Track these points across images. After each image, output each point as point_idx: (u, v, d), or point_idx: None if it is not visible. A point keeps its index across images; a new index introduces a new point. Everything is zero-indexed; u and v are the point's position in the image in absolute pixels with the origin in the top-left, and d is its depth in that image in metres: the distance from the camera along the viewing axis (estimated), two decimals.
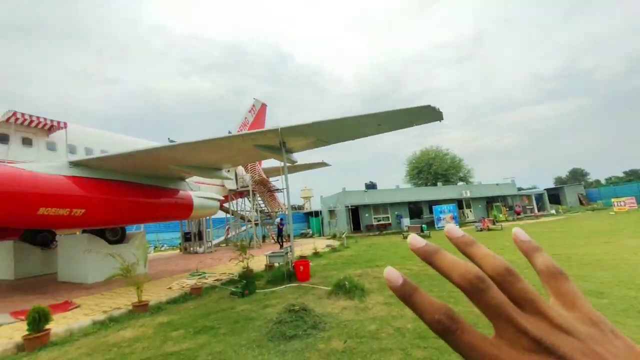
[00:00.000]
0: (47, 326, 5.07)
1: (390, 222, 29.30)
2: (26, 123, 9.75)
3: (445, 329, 0.29)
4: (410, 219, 29.10)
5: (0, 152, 9.47)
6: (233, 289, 7.58)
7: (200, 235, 18.88)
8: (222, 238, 23.36)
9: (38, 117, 9.93)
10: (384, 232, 27.25)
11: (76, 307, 7.02)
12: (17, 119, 9.51)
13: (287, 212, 21.29)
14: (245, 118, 23.35)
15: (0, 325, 5.90)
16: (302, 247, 16.09)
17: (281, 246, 17.57)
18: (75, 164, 8.37)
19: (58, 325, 5.56)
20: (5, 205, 6.61)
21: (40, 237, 13.47)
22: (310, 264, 9.50)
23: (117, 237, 11.10)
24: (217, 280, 9.09)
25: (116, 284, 9.37)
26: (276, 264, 9.79)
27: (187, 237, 19.81)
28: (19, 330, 5.34)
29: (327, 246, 17.15)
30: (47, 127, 10.32)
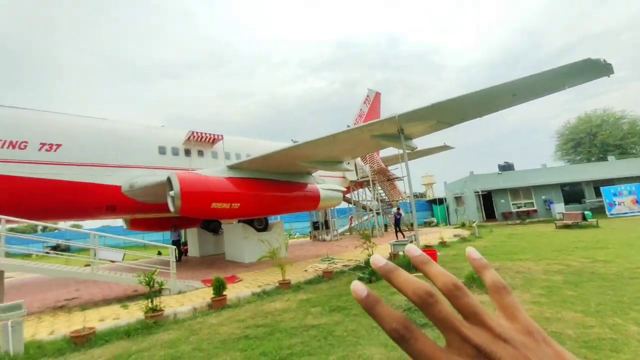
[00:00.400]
0: (225, 293, 6.64)
1: (535, 208, 24.58)
2: (199, 139, 12.84)
3: (401, 336, 0.33)
4: (565, 204, 23.61)
5: (186, 162, 12.81)
6: (360, 275, 8.02)
7: (327, 224, 20.58)
8: (346, 227, 24.74)
9: (206, 133, 12.90)
10: (527, 220, 23.06)
11: (240, 281, 8.87)
12: (194, 137, 12.62)
13: (408, 200, 20.65)
14: (361, 110, 23.81)
15: (197, 289, 8.07)
16: (427, 237, 15.41)
17: (403, 236, 17.25)
18: (231, 167, 10.51)
19: (230, 293, 7.17)
20: (192, 202, 8.95)
21: (212, 225, 17.50)
22: (438, 253, 9.06)
23: (262, 226, 13.35)
24: (345, 265, 9.77)
25: (264, 264, 11.30)
26: (400, 253, 9.76)
27: (315, 226, 21.92)
28: (207, 293, 7.17)
29: (455, 236, 15.85)
30: (211, 140, 13.30)
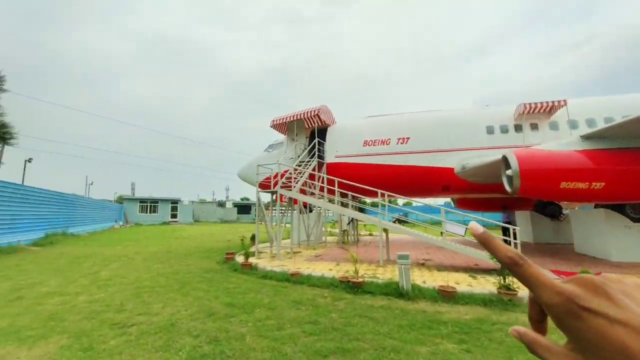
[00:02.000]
0: None
1: None
2: (532, 110, 11.30)
3: (514, 262, 0.41)
4: None
5: (517, 139, 11.77)
6: None
7: None
8: None
9: (541, 102, 11.10)
10: None
11: None
12: (526, 109, 11.30)
13: None
14: None
15: None
16: None
17: None
18: (587, 137, 8.26)
19: None
20: (534, 181, 7.99)
21: (549, 209, 14.91)
22: None
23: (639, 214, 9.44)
24: None
25: None
26: None
27: None
28: None
29: None
30: (547, 109, 11.25)
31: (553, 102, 11.07)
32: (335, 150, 13.90)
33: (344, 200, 12.21)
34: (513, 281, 5.77)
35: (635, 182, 7.50)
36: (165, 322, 4.81)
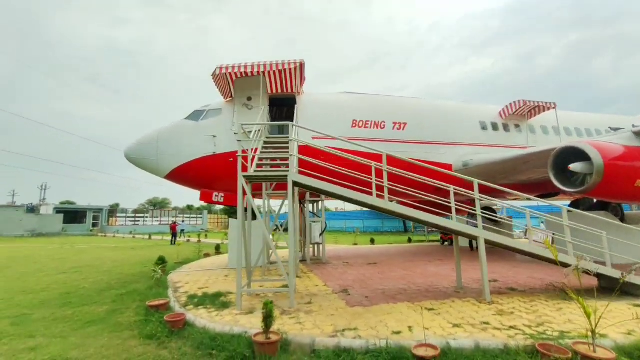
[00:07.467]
0: None
1: None
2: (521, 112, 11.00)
3: None
4: None
5: (505, 138, 11.13)
6: None
7: None
8: None
9: (533, 102, 10.77)
10: None
11: None
12: (513, 107, 10.87)
13: None
14: None
15: None
16: None
17: None
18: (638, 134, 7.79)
19: None
20: (617, 178, 6.75)
21: None
22: None
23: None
24: None
25: None
26: None
27: None
28: None
29: None
30: (531, 111, 11.19)
31: (540, 104, 10.96)
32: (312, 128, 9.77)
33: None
34: None
35: None
36: None
